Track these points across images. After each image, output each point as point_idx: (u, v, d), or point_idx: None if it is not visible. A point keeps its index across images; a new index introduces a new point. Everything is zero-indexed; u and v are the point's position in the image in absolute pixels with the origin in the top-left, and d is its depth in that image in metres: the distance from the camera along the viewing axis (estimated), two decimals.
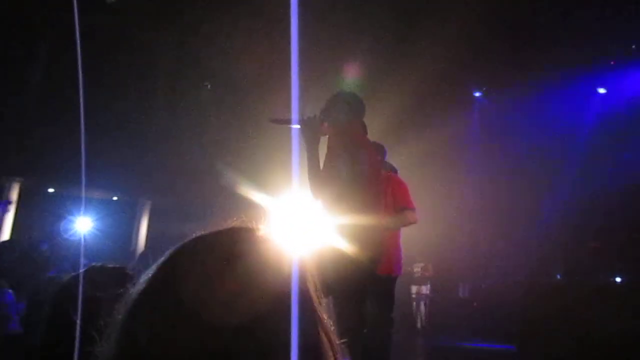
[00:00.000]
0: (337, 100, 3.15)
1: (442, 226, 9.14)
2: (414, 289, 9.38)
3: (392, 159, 4.28)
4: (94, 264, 1.31)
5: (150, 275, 0.66)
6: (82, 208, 9.98)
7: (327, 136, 3.04)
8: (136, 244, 10.96)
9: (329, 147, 2.97)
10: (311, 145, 2.92)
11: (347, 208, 2.81)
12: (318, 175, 2.84)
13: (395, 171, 4.18)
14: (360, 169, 2.88)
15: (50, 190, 11.43)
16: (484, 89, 9.72)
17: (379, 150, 3.83)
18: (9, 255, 5.05)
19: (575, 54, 7.70)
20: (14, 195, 10.21)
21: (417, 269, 9.34)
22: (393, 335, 3.87)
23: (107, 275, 1.27)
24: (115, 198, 11.74)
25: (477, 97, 9.88)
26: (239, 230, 0.72)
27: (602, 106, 8.60)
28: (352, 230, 2.80)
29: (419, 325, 9.24)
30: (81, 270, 1.24)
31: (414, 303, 9.40)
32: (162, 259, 0.68)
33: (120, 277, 1.21)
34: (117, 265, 1.28)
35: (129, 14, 9.84)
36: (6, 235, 9.92)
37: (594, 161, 8.18)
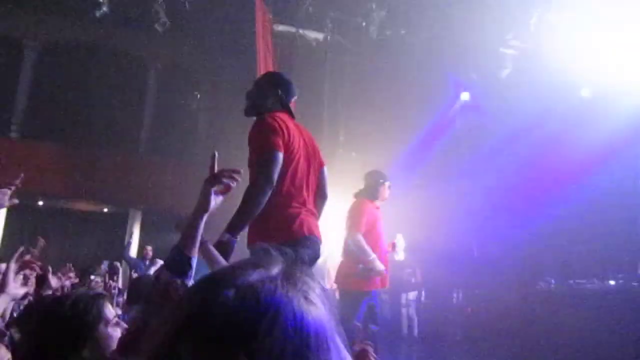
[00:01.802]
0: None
1: (432, 231, 9.13)
2: (403, 296, 9.33)
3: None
4: None
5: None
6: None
7: None
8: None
9: None
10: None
11: None
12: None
13: None
14: None
15: (39, 203, 11.33)
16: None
17: None
18: None
19: None
20: (2, 210, 10.10)
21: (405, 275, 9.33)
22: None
23: None
24: (105, 210, 11.64)
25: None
26: None
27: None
28: None
29: (408, 332, 9.21)
30: None
31: (403, 310, 9.35)
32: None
33: None
34: None
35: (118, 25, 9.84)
36: None
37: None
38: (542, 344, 6.58)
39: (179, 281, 1.63)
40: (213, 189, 1.81)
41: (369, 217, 4.70)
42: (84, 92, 10.43)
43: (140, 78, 11.10)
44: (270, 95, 3.10)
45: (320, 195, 3.17)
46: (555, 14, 8.37)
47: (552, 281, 8.01)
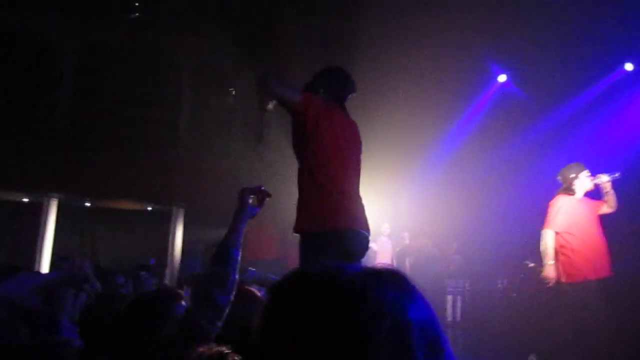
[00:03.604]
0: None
1: (475, 222, 9.09)
2: (447, 282, 9.35)
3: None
4: None
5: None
6: None
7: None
8: (172, 253, 11.14)
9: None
10: None
11: None
12: None
13: None
14: None
15: (87, 204, 11.72)
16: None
17: None
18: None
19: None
20: (53, 211, 10.51)
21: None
22: None
23: None
24: (149, 208, 11.96)
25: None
26: None
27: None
28: None
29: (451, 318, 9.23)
30: None
31: (449, 297, 9.38)
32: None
33: None
34: None
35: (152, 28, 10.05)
36: (48, 251, 10.22)
37: None
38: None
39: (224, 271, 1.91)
40: (249, 198, 2.25)
41: (566, 214, 4.78)
42: (121, 96, 10.70)
43: (174, 78, 11.32)
44: (324, 89, 3.10)
45: None
46: None
47: None
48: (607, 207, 4.88)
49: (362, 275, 0.72)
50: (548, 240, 4.73)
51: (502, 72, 9.47)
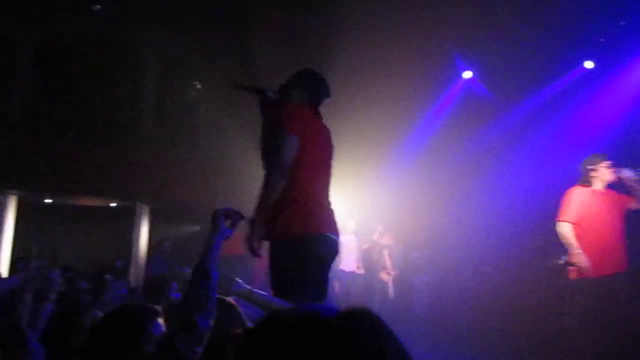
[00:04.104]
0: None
1: (443, 217, 9.20)
2: (413, 279, 9.41)
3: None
4: None
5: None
6: None
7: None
8: (137, 251, 10.91)
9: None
10: None
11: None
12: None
13: None
14: None
15: (47, 201, 11.37)
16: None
17: None
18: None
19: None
20: (12, 209, 10.15)
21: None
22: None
23: None
24: (113, 205, 11.69)
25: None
26: None
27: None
28: None
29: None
30: None
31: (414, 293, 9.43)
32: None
33: None
34: None
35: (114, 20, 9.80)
36: (6, 251, 9.87)
37: None
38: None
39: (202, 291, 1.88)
40: (221, 221, 2.29)
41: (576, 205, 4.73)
42: (83, 88, 10.41)
43: (138, 71, 11.06)
44: (297, 90, 3.12)
45: None
46: None
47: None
48: (637, 202, 4.79)
49: (338, 319, 0.73)
50: (565, 232, 4.68)
51: (468, 69, 9.60)
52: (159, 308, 2.15)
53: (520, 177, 8.28)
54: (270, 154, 2.94)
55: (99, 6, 9.69)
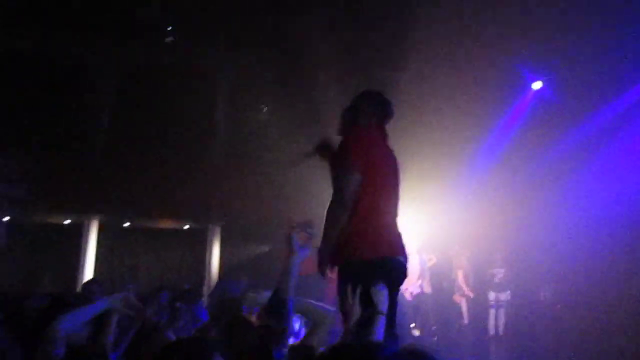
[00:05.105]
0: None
1: (519, 229, 8.89)
2: (492, 295, 9.08)
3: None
4: None
5: None
6: None
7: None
8: (209, 271, 11.19)
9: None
10: None
11: None
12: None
13: None
14: None
15: (126, 225, 11.92)
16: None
17: None
18: None
19: None
20: (93, 233, 10.72)
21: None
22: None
23: None
24: (186, 227, 12.09)
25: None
26: None
27: None
28: None
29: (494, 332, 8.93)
30: None
31: (492, 310, 9.09)
32: None
33: None
34: None
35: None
36: (89, 273, 10.39)
37: None
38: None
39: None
40: (295, 238, 2.24)
41: None
42: (158, 114, 10.88)
43: (210, 95, 11.46)
44: (364, 113, 3.11)
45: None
46: None
47: None
48: None
49: (398, 357, 0.82)
50: None
51: (537, 79, 9.33)
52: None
53: (598, 189, 7.90)
54: (334, 189, 2.95)
55: (172, 38, 10.19)
